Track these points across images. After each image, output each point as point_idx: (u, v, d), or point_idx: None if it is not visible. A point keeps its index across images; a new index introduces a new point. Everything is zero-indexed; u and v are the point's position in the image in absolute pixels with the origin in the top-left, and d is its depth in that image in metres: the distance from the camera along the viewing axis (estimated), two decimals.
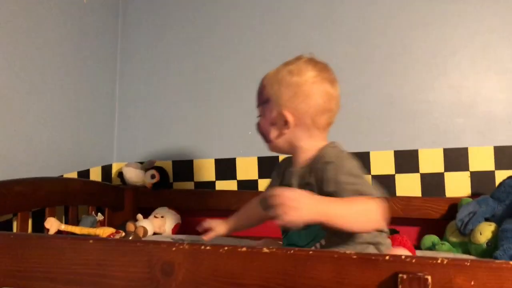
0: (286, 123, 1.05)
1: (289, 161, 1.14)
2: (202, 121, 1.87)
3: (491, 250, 1.39)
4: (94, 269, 0.79)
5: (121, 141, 1.93)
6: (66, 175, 1.58)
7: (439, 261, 0.68)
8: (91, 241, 0.81)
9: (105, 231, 1.43)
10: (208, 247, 0.74)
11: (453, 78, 1.69)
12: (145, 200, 1.80)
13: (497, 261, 0.68)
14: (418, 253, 1.43)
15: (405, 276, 0.67)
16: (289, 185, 1.08)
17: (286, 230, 1.09)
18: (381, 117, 1.73)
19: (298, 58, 1.09)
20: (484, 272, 0.67)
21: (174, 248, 0.75)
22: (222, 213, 1.79)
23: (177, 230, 1.74)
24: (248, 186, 1.80)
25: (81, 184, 1.58)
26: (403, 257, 0.69)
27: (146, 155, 1.88)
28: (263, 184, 1.80)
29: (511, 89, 1.65)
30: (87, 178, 1.71)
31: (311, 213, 0.83)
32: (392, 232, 1.45)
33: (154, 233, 1.70)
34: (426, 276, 0.66)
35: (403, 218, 1.60)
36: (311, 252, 0.72)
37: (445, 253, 1.47)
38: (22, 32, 1.39)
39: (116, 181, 1.87)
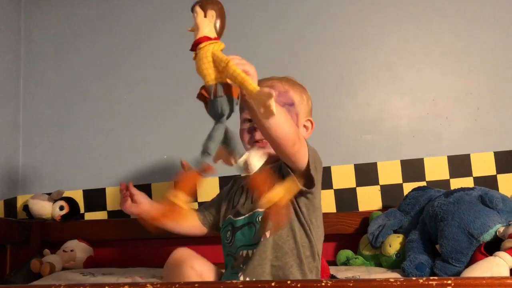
0: (308, 129, 1.19)
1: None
2: (112, 147, 1.79)
3: (400, 261, 1.44)
4: None
5: (27, 171, 1.80)
6: None
7: (323, 284, 0.69)
8: None
9: None
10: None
11: (360, 96, 1.76)
12: (54, 234, 1.69)
13: (378, 278, 0.69)
14: (332, 269, 1.45)
15: None
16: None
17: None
18: None
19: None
20: None
21: None
22: (140, 243, 1.74)
23: (89, 263, 1.65)
24: None
25: None
26: (288, 282, 0.69)
27: (54, 185, 1.76)
28: None
29: (413, 106, 1.75)
30: None
31: None
32: None
33: (64, 269, 1.60)
34: None
35: None
36: (196, 285, 0.70)
37: (358, 267, 1.50)
38: None
39: (21, 215, 1.75)
